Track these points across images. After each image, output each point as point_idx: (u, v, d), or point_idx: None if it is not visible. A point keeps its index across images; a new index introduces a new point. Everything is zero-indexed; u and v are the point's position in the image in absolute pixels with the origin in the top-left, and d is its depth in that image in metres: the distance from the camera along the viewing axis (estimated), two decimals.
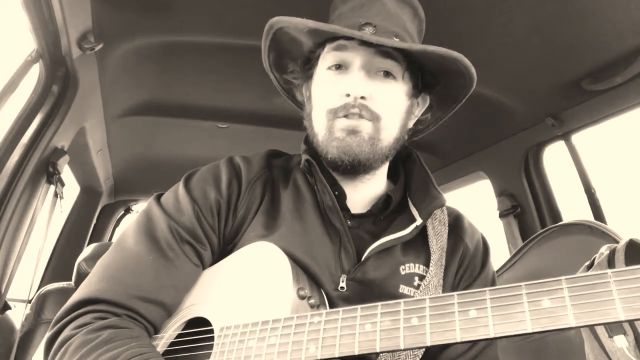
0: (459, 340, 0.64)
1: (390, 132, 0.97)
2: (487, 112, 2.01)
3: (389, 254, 0.98)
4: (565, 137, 2.00)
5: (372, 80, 0.95)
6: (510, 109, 1.97)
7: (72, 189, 2.69)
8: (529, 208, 2.17)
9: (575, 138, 1.99)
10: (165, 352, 0.92)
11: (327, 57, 0.98)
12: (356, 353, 0.70)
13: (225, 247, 1.00)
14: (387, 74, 0.96)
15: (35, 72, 1.59)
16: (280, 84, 1.11)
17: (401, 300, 0.71)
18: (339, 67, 0.96)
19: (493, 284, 1.04)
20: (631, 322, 1.29)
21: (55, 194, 1.85)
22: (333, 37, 0.96)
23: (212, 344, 0.86)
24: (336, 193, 1.00)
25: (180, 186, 1.00)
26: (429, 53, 0.92)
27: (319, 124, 0.98)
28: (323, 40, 0.98)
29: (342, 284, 0.94)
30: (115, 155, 2.65)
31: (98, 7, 1.44)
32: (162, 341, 0.92)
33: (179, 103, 2.19)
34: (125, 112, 2.22)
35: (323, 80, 0.99)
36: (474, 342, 0.91)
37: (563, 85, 1.76)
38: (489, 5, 1.41)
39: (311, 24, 0.92)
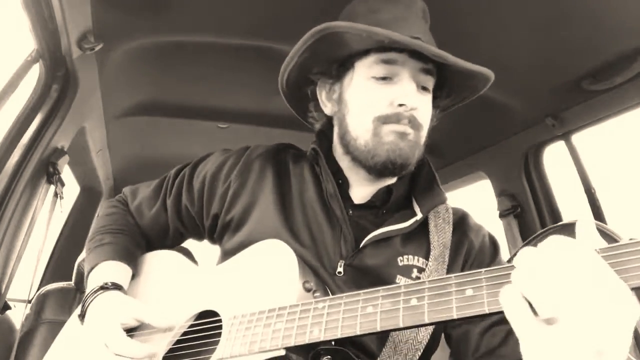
0: (455, 317, 0.67)
1: (424, 139, 1.05)
2: (487, 112, 2.01)
3: (388, 245, 1.01)
4: (565, 137, 2.00)
5: (418, 94, 1.00)
6: (510, 109, 1.97)
7: (72, 189, 2.69)
8: (529, 208, 2.17)
9: (575, 138, 1.99)
10: (178, 341, 0.98)
11: (375, 67, 1.00)
12: (358, 333, 0.73)
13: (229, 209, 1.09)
14: (424, 88, 1.02)
15: (35, 72, 1.59)
16: (289, 82, 1.11)
17: (402, 284, 0.74)
18: (384, 78, 1.00)
19: None
20: None
21: (55, 194, 1.85)
22: (382, 47, 0.98)
23: (221, 332, 0.89)
24: (339, 181, 1.06)
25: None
26: (474, 72, 1.01)
27: (362, 129, 1.01)
28: (370, 47, 1.00)
29: (340, 269, 0.98)
30: (115, 155, 2.65)
31: (98, 7, 1.44)
32: (175, 331, 0.98)
33: (179, 103, 2.19)
34: (125, 112, 2.22)
35: (368, 88, 1.01)
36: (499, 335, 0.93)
37: (563, 85, 1.76)
38: (490, 5, 1.41)
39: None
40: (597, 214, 1.92)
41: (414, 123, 0.99)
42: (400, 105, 0.97)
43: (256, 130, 2.33)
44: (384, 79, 0.99)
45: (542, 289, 0.55)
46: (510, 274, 0.63)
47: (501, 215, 2.28)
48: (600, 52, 1.58)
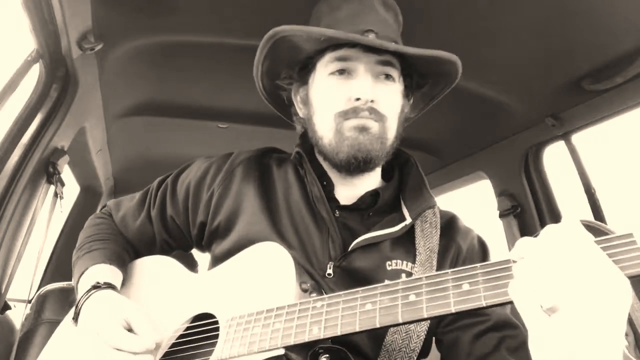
0: (453, 311, 0.67)
1: (392, 130, 1.04)
2: (487, 112, 2.01)
3: (376, 249, 1.01)
4: (565, 137, 1.99)
5: (377, 84, 1.01)
6: (510, 109, 1.97)
7: (72, 189, 2.69)
8: (529, 208, 2.17)
9: (575, 138, 1.99)
10: (174, 345, 0.97)
11: (331, 65, 1.02)
12: (357, 330, 0.74)
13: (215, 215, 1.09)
14: (387, 77, 1.03)
15: (35, 72, 1.59)
16: (266, 90, 1.15)
17: (399, 281, 0.75)
18: (342, 72, 1.01)
19: None
20: (631, 322, 1.30)
21: (55, 194, 1.85)
22: (336, 45, 1.01)
23: (218, 335, 0.89)
24: (324, 183, 1.06)
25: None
26: (428, 57, 1.00)
27: (325, 127, 1.03)
28: (325, 47, 1.02)
29: (329, 271, 0.98)
30: (115, 155, 2.65)
31: (98, 7, 1.44)
32: (170, 334, 0.97)
33: (179, 103, 2.19)
34: (125, 112, 2.22)
35: (327, 86, 1.03)
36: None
37: (563, 85, 1.76)
38: (489, 5, 1.41)
39: (330, 32, 0.96)
40: (597, 214, 1.92)
41: (376, 114, 1.00)
42: (357, 99, 0.98)
43: (256, 130, 2.33)
44: (341, 73, 1.01)
45: (542, 280, 0.56)
46: (504, 267, 0.66)
47: (501, 215, 2.28)
48: (600, 52, 1.58)
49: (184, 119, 2.30)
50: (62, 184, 1.88)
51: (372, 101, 0.99)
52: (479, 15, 1.46)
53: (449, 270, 0.71)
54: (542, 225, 2.12)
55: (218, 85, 2.04)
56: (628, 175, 2.58)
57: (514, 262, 0.62)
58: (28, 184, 1.62)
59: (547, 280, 0.56)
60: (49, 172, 1.73)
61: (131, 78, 1.94)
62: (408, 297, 0.72)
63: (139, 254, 1.19)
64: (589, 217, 1.90)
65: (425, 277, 0.72)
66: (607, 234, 1.57)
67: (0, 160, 1.51)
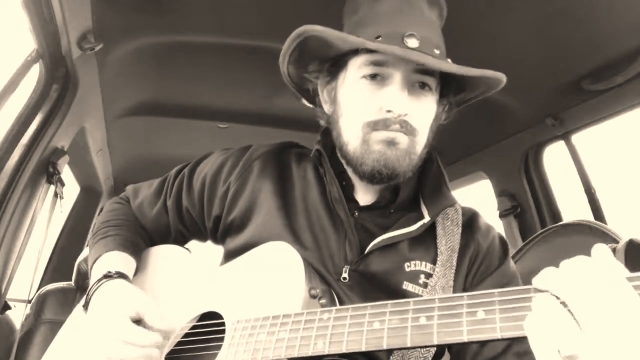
0: (465, 340, 0.64)
1: (422, 143, 0.99)
2: (487, 112, 2.01)
3: (395, 250, 0.98)
4: (565, 137, 2.00)
5: (411, 96, 0.94)
6: (510, 109, 1.97)
7: (72, 189, 2.69)
8: (529, 208, 2.17)
9: (575, 138, 1.99)
10: (180, 343, 0.97)
11: (364, 68, 0.95)
12: (363, 349, 0.71)
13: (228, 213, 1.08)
14: (423, 85, 0.96)
15: (35, 72, 1.59)
16: (291, 78, 1.09)
17: (410, 300, 0.71)
18: (374, 76, 0.95)
19: (514, 279, 1.02)
20: None
21: (55, 194, 1.85)
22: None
23: (224, 337, 0.88)
24: (343, 183, 1.03)
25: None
26: (477, 77, 0.93)
27: (352, 134, 0.97)
28: (358, 47, 0.95)
29: (345, 275, 0.96)
30: (115, 155, 2.65)
31: (98, 7, 1.44)
32: (177, 332, 0.97)
33: (179, 103, 2.19)
34: (125, 112, 2.22)
35: (358, 90, 0.97)
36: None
37: (563, 85, 1.76)
38: (489, 5, 1.41)
39: (370, 45, 0.90)
40: (597, 214, 1.92)
41: (406, 128, 0.94)
42: (389, 111, 0.93)
43: (256, 130, 2.33)
44: (373, 78, 0.95)
45: (564, 323, 0.51)
46: (524, 297, 0.61)
47: (501, 215, 2.28)
48: (600, 52, 1.58)
49: (184, 119, 2.30)
50: (62, 184, 1.88)
51: (402, 115, 0.93)
52: (478, 15, 1.46)
53: (465, 295, 0.67)
54: (542, 225, 2.12)
55: (218, 85, 2.04)
56: (628, 175, 2.58)
57: (536, 291, 0.58)
58: (28, 184, 1.62)
59: (570, 325, 0.51)
60: (49, 172, 1.73)
61: (131, 78, 1.94)
62: (419, 320, 0.68)
63: (153, 242, 1.18)
64: (589, 217, 1.90)
65: (439, 299, 0.69)
66: (607, 234, 1.56)
67: (0, 160, 1.51)
